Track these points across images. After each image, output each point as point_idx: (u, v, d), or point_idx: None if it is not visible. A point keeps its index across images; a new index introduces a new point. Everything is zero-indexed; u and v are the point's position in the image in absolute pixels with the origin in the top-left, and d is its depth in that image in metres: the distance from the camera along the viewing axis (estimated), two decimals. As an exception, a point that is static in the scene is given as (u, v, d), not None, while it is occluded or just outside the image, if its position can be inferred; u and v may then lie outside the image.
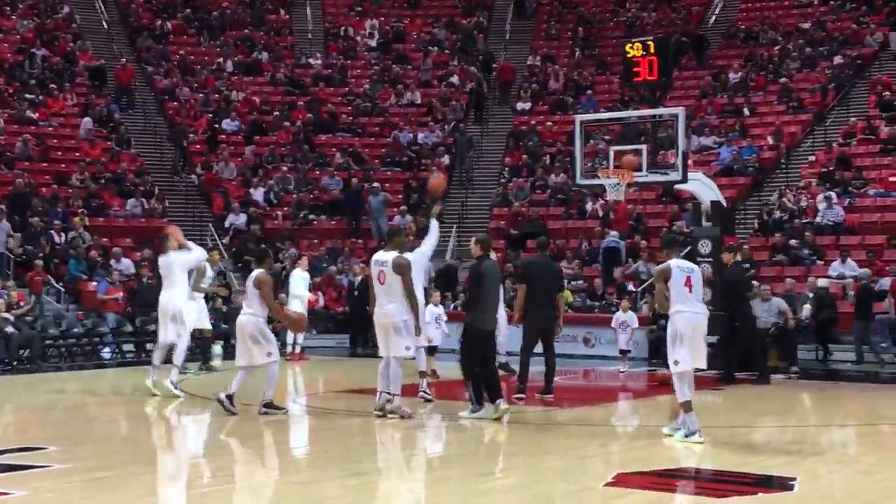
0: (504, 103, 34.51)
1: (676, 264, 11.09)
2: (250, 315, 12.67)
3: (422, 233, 22.92)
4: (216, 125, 31.24)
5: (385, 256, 12.38)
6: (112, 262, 23.21)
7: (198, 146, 30.46)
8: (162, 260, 15.41)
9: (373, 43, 36.85)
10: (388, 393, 12.38)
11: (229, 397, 12.72)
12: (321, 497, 8.38)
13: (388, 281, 12.23)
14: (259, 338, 12.61)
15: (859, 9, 32.97)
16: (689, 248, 20.20)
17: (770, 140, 28.50)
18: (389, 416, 12.33)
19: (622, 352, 18.71)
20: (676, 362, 10.80)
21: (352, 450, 10.81)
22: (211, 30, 36.31)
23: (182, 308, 15.14)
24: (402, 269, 12.20)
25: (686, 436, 10.81)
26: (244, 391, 12.84)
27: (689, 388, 10.79)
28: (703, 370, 11.47)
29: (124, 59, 32.93)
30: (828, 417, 14.14)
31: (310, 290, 21.50)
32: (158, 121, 31.67)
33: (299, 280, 20.72)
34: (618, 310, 19.48)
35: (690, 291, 10.96)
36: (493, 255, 12.98)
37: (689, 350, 10.78)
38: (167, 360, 15.12)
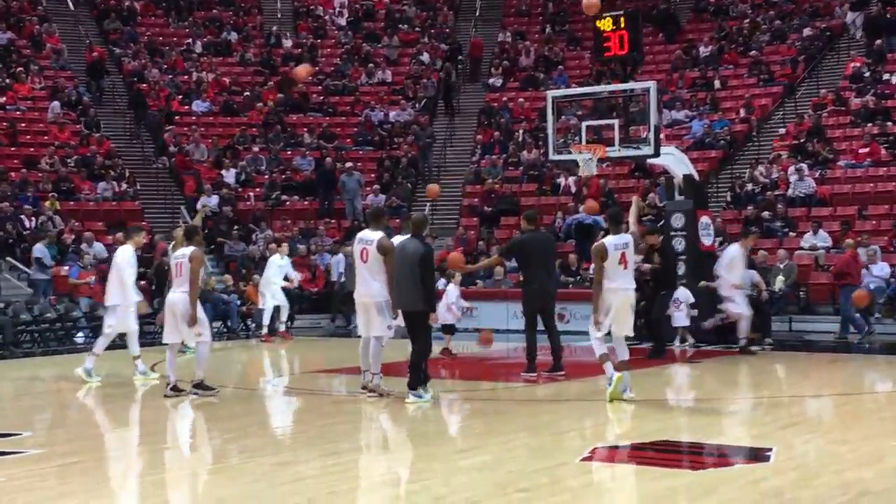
0: (475, 80, 34.43)
1: (612, 242, 11.55)
2: (182, 293, 12.58)
3: (394, 212, 23.02)
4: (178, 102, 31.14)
5: (371, 236, 12.31)
6: (84, 245, 23.05)
7: (171, 128, 30.20)
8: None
9: (342, 21, 36.67)
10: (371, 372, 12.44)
11: (174, 388, 12.76)
12: (299, 477, 8.37)
13: (370, 260, 12.19)
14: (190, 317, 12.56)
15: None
16: (661, 222, 20.24)
17: (741, 113, 28.58)
18: (369, 394, 12.34)
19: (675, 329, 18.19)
20: (599, 328, 11.66)
21: (329, 429, 10.80)
22: (179, 10, 36.00)
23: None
24: (387, 249, 12.14)
25: (609, 385, 11.64)
26: (222, 372, 12.80)
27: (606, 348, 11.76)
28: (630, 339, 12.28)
29: (89, 41, 32.59)
30: (802, 388, 14.23)
31: (293, 273, 21.43)
32: (128, 103, 31.38)
33: (276, 268, 20.75)
34: None
35: (625, 268, 11.63)
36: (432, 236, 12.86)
37: (612, 321, 11.58)
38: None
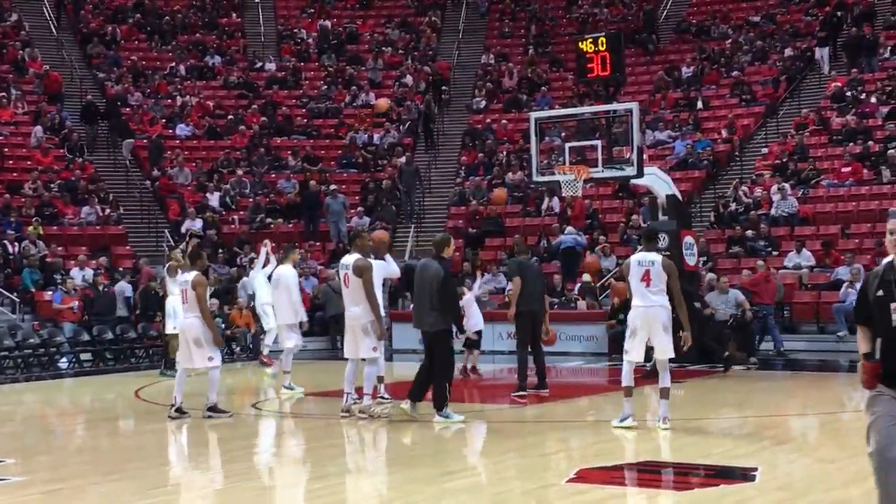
0: (447, 104, 34.34)
1: (637, 259, 11.42)
2: (194, 318, 12.64)
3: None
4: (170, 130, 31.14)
5: (348, 260, 12.47)
6: (76, 269, 22.98)
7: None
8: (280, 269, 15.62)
9: (326, 44, 36.71)
10: (356, 394, 12.42)
11: (178, 410, 12.75)
12: (285, 501, 8.33)
13: (351, 284, 12.30)
14: (202, 341, 12.59)
15: (808, 0, 33.29)
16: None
17: (724, 133, 28.71)
18: (359, 414, 12.32)
19: None
20: (627, 351, 11.45)
21: (316, 453, 10.77)
22: (162, 34, 36.00)
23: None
24: (362, 270, 12.23)
25: (621, 420, 11.37)
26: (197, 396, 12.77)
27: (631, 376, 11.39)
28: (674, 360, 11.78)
29: (47, 67, 32.33)
30: (787, 407, 14.25)
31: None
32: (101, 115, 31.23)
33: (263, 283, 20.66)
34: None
35: (648, 286, 11.29)
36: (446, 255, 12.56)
37: (639, 343, 11.32)
38: None
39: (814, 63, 30.52)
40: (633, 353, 11.37)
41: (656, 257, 11.53)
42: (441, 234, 13.68)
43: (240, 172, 29.45)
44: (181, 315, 17.76)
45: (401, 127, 32.26)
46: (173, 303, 17.87)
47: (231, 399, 15.11)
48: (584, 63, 19.86)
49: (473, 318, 16.92)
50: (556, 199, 26.46)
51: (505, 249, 25.36)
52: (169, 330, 18.23)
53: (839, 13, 31.43)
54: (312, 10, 38.29)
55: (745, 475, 8.87)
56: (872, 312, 5.89)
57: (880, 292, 5.83)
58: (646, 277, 11.27)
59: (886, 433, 5.72)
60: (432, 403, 12.12)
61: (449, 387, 12.18)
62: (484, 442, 11.27)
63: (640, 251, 11.68)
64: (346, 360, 12.68)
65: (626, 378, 11.36)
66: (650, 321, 11.26)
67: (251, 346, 21.11)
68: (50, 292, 22.24)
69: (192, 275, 12.72)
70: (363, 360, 12.44)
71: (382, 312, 14.79)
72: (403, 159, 29.91)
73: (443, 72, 34.89)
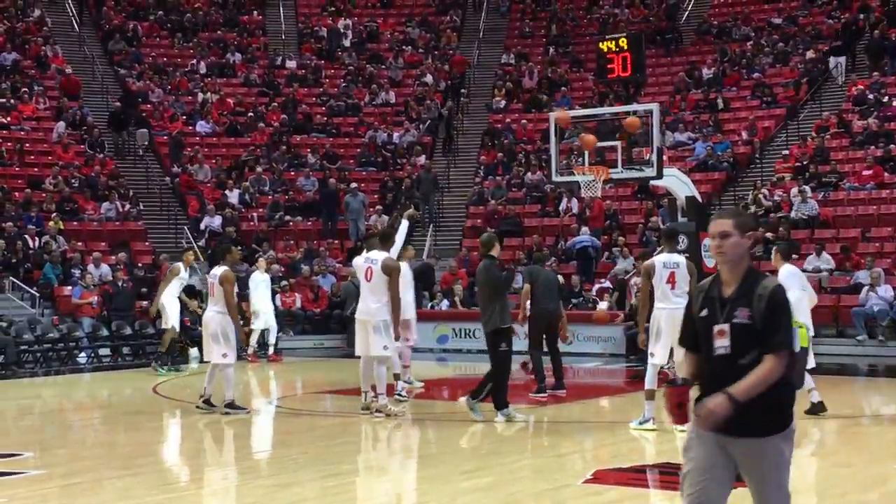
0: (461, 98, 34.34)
1: (661, 261, 11.33)
2: (216, 312, 12.72)
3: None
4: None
5: (377, 255, 12.41)
6: (91, 266, 23.06)
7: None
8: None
9: (346, 43, 36.78)
10: (372, 391, 12.42)
11: (206, 402, 12.82)
12: (299, 499, 8.34)
13: (374, 279, 12.24)
14: (219, 336, 12.66)
15: (830, 3, 33.15)
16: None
17: (744, 135, 28.61)
18: (375, 414, 12.31)
19: None
20: (652, 354, 11.29)
21: (330, 450, 10.78)
22: (184, 31, 36.13)
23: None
24: (392, 270, 12.21)
25: (640, 423, 11.26)
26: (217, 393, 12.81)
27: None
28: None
29: (68, 70, 32.34)
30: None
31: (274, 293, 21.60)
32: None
33: (260, 284, 20.73)
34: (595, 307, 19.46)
35: (673, 287, 11.24)
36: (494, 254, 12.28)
37: (665, 345, 11.17)
38: None
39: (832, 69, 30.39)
40: (659, 356, 11.25)
41: (681, 259, 11.49)
42: (487, 233, 13.08)
43: (259, 169, 29.49)
44: (172, 313, 18.22)
45: (420, 126, 32.28)
46: (164, 299, 18.21)
47: (246, 395, 15.12)
48: (605, 63, 19.85)
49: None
50: (574, 199, 26.40)
51: (523, 249, 25.33)
52: (162, 325, 18.60)
53: (861, 16, 31.30)
54: (333, 9, 38.33)
55: (761, 478, 8.81)
56: (698, 335, 5.04)
57: (704, 311, 5.01)
58: (671, 279, 11.22)
59: (698, 493, 4.90)
60: (493, 404, 12.02)
61: (504, 388, 12.02)
62: (500, 442, 11.26)
63: (662, 252, 11.60)
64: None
65: (650, 381, 11.22)
66: (675, 323, 11.15)
67: (267, 342, 21.20)
68: (69, 287, 22.33)
69: (221, 270, 12.82)
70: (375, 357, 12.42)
71: (413, 313, 14.84)
72: (422, 159, 29.98)
73: (458, 66, 34.87)
